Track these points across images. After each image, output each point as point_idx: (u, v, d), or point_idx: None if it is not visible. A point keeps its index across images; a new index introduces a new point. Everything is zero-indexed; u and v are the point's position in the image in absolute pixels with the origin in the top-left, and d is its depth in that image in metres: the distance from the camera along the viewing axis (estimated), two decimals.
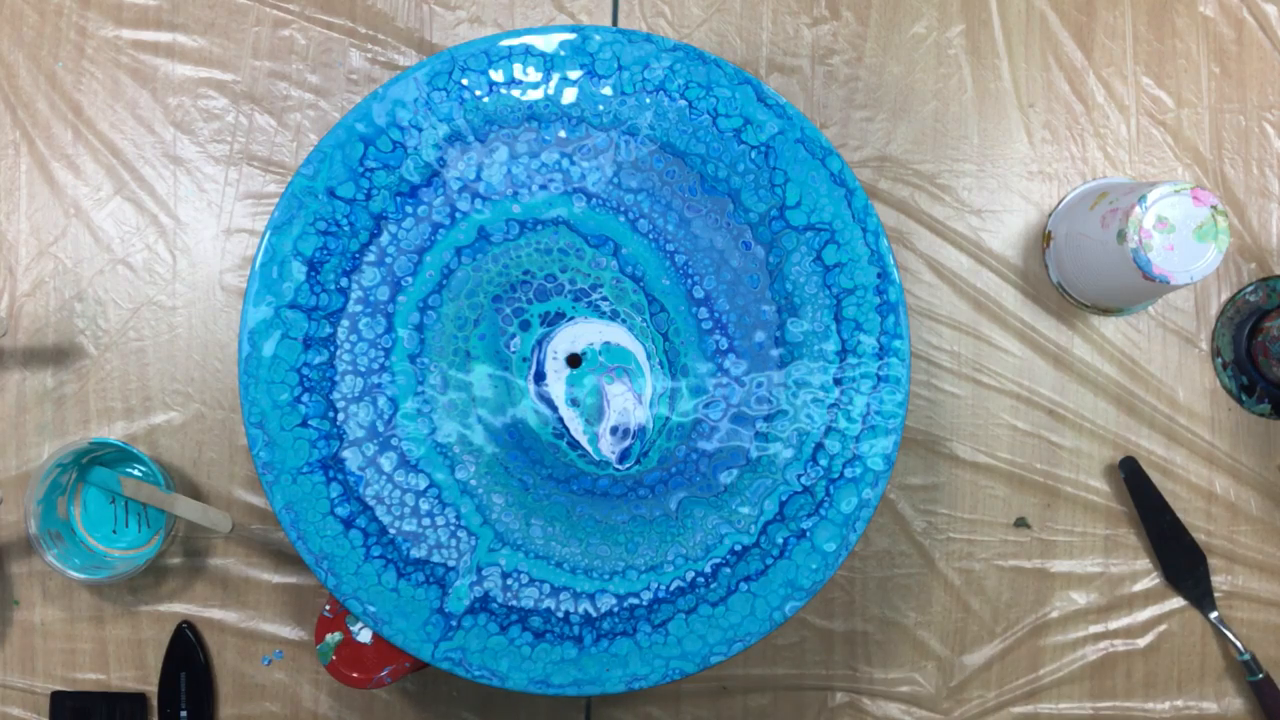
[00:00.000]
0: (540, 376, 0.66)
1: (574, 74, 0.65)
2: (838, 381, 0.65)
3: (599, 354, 0.66)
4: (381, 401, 0.64)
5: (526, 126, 0.65)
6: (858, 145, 0.78)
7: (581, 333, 0.66)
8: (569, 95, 0.65)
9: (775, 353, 0.65)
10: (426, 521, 0.64)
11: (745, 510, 0.65)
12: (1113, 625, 0.79)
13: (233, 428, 0.76)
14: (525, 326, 0.65)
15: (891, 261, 0.65)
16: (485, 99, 0.64)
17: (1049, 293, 0.78)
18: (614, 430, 0.66)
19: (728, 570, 0.64)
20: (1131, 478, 0.77)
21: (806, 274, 0.65)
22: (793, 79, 0.78)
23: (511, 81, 0.64)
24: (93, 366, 0.76)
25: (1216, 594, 0.79)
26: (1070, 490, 0.78)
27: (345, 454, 0.63)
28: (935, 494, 0.78)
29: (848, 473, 0.64)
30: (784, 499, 0.64)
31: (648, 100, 0.65)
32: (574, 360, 0.66)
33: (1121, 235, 0.68)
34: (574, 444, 0.65)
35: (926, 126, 0.78)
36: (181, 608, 0.76)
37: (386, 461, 0.64)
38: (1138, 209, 0.67)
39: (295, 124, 0.77)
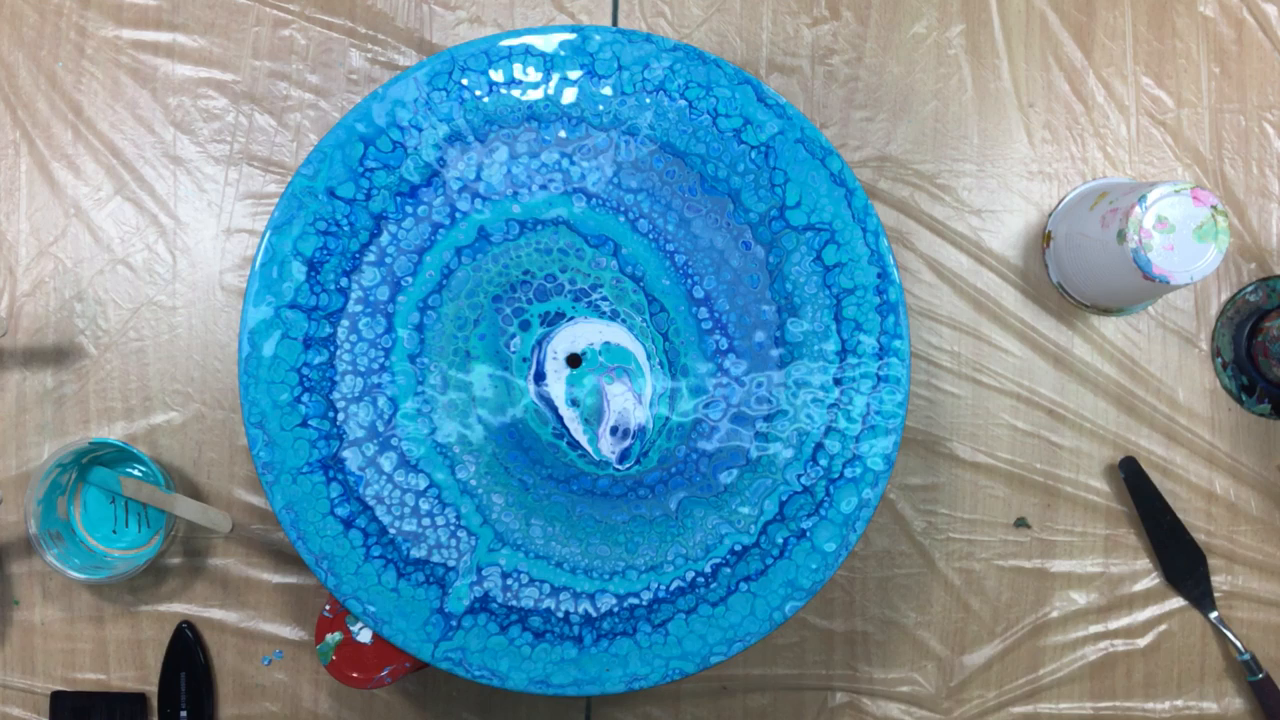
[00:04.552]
0: (540, 376, 0.66)
1: (574, 74, 0.65)
2: (838, 381, 0.65)
3: (599, 354, 0.66)
4: (381, 401, 0.64)
5: (526, 126, 0.65)
6: (858, 145, 0.78)
7: (581, 333, 0.66)
8: (569, 95, 0.65)
9: (775, 353, 0.65)
10: (426, 521, 0.64)
11: (745, 510, 0.65)
12: (1113, 625, 0.79)
13: (233, 428, 0.76)
14: (525, 326, 0.65)
15: (891, 261, 0.65)
16: (485, 99, 0.64)
17: (1049, 293, 0.78)
18: (614, 430, 0.66)
19: (728, 570, 0.64)
20: (1131, 478, 0.77)
21: (806, 274, 0.65)
22: (793, 79, 0.78)
23: (511, 81, 0.64)
24: (93, 366, 0.76)
25: (1216, 594, 0.79)
26: (1070, 490, 0.78)
27: (345, 454, 0.63)
28: (935, 494, 0.78)
29: (848, 473, 0.64)
30: (784, 499, 0.64)
31: (648, 100, 0.65)
32: (574, 360, 0.66)
33: (1121, 235, 0.68)
34: (574, 444, 0.65)
35: (926, 126, 0.78)
36: (181, 608, 0.76)
37: (386, 461, 0.64)
38: (1138, 209, 0.67)
39: (295, 124, 0.77)
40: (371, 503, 0.63)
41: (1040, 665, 0.78)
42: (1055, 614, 0.78)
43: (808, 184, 0.65)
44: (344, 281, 0.64)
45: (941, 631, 0.78)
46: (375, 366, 0.64)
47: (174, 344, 0.77)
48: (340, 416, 0.63)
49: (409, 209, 0.64)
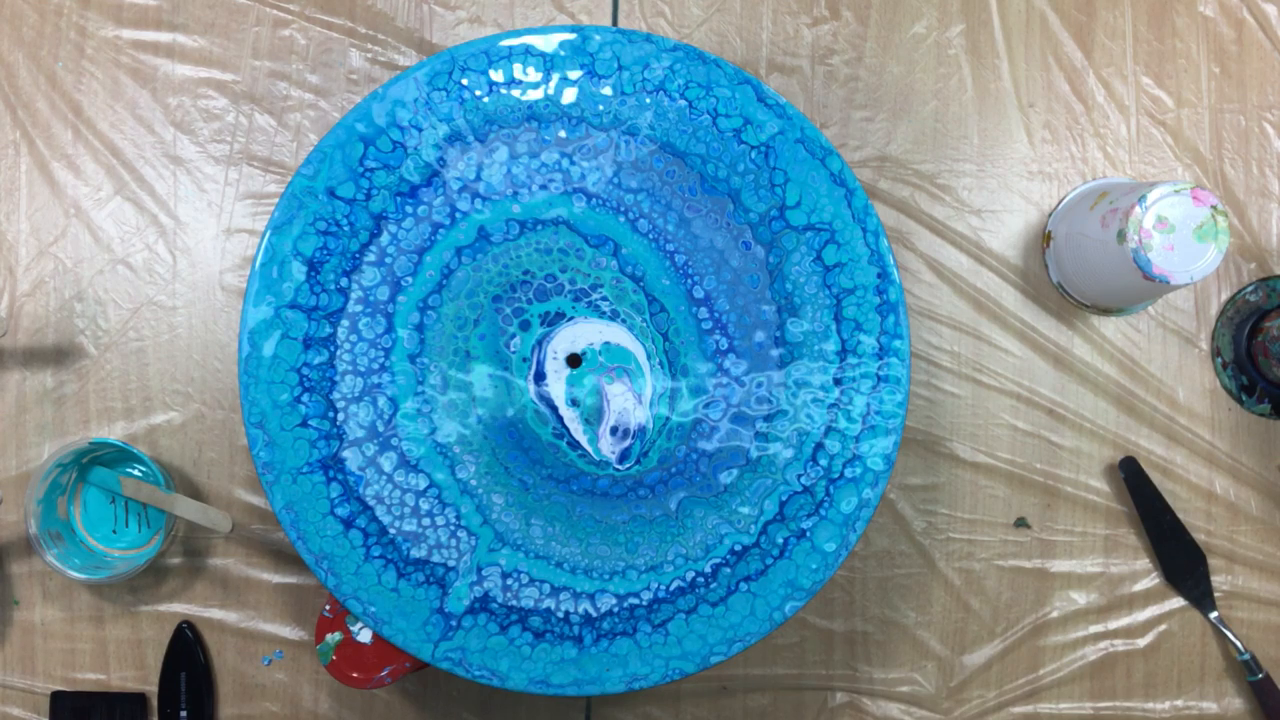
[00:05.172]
0: (540, 376, 0.66)
1: (574, 74, 0.65)
2: (838, 381, 0.65)
3: (599, 354, 0.66)
4: (381, 401, 0.64)
5: (526, 126, 0.65)
6: (858, 145, 0.78)
7: (581, 333, 0.66)
8: (569, 95, 0.65)
9: (775, 353, 0.65)
10: (426, 521, 0.64)
11: (745, 510, 0.65)
12: (1113, 625, 0.79)
13: (233, 428, 0.76)
14: (525, 326, 0.65)
15: (891, 261, 0.65)
16: (485, 99, 0.64)
17: (1049, 293, 0.78)
18: (614, 430, 0.66)
19: (728, 570, 0.64)
20: (1131, 478, 0.77)
21: (806, 274, 0.65)
22: (793, 79, 0.78)
23: (511, 81, 0.64)
24: (93, 366, 0.76)
25: (1216, 594, 0.79)
26: (1070, 490, 0.78)
27: (345, 454, 0.63)
28: (935, 494, 0.78)
29: (848, 473, 0.64)
30: (784, 499, 0.64)
31: (648, 100, 0.65)
32: (574, 360, 0.66)
33: (1121, 235, 0.68)
34: (574, 444, 0.65)
35: (926, 126, 0.78)
36: (181, 608, 0.76)
37: (386, 461, 0.64)
38: (1138, 209, 0.67)
39: (295, 124, 0.77)
40: (371, 503, 0.63)
41: (1040, 665, 0.78)
42: (1055, 614, 0.78)
43: (808, 184, 0.65)
44: (344, 281, 0.64)
45: (941, 631, 0.78)
46: (375, 366, 0.64)
47: (174, 344, 0.77)
48: (340, 416, 0.63)
49: (409, 209, 0.64)
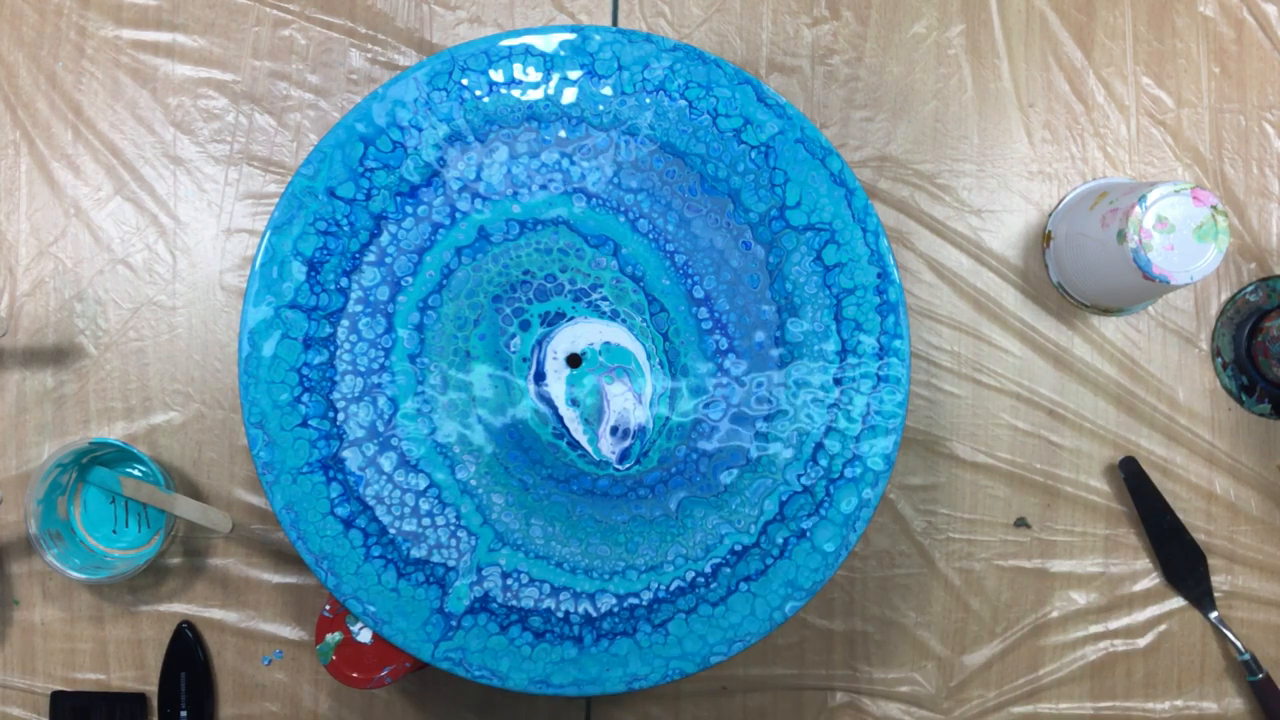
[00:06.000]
0: (540, 376, 0.66)
1: (574, 74, 0.65)
2: (838, 381, 0.65)
3: (599, 354, 0.66)
4: (381, 401, 0.64)
5: (526, 126, 0.65)
6: (858, 145, 0.78)
7: (581, 333, 0.66)
8: (569, 95, 0.65)
9: (775, 353, 0.65)
10: (426, 521, 0.64)
11: (745, 510, 0.65)
12: (1113, 625, 0.79)
13: (233, 428, 0.76)
14: (525, 326, 0.65)
15: (891, 261, 0.65)
16: (485, 99, 0.64)
17: (1049, 293, 0.78)
18: (614, 430, 0.66)
19: (728, 570, 0.64)
20: (1131, 478, 0.77)
21: (806, 274, 0.65)
22: (793, 79, 0.78)
23: (511, 81, 0.64)
24: (93, 366, 0.76)
25: (1216, 594, 0.79)
26: (1070, 490, 0.78)
27: (345, 454, 0.63)
28: (935, 494, 0.78)
29: (848, 473, 0.64)
30: (784, 499, 0.64)
31: (648, 100, 0.65)
32: (574, 360, 0.66)
33: (1121, 235, 0.68)
34: (574, 444, 0.65)
35: (926, 126, 0.78)
36: (181, 608, 0.76)
37: (386, 461, 0.64)
38: (1138, 209, 0.67)
39: (295, 124, 0.77)
40: (371, 503, 0.63)
41: (1040, 665, 0.78)
42: (1055, 614, 0.78)
43: (808, 184, 0.65)
44: (344, 281, 0.64)
45: (941, 631, 0.78)
46: (375, 366, 0.64)
47: (174, 344, 0.77)
48: (340, 416, 0.63)
49: (409, 209, 0.64)
